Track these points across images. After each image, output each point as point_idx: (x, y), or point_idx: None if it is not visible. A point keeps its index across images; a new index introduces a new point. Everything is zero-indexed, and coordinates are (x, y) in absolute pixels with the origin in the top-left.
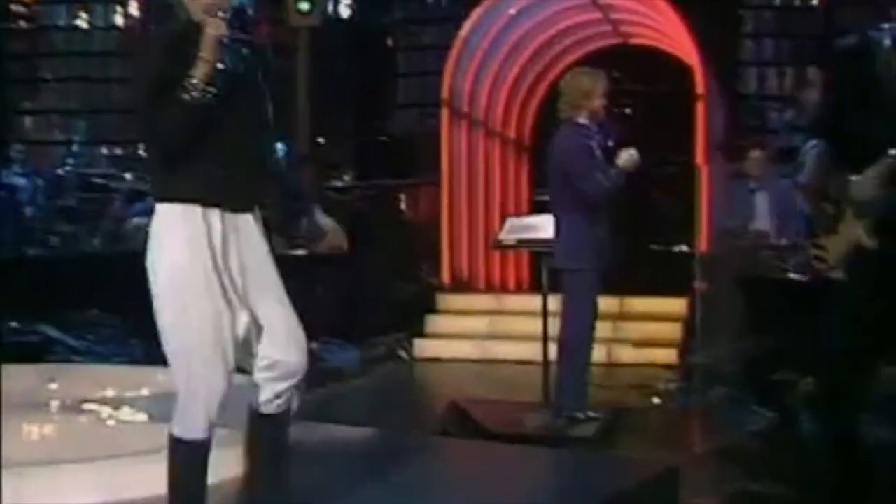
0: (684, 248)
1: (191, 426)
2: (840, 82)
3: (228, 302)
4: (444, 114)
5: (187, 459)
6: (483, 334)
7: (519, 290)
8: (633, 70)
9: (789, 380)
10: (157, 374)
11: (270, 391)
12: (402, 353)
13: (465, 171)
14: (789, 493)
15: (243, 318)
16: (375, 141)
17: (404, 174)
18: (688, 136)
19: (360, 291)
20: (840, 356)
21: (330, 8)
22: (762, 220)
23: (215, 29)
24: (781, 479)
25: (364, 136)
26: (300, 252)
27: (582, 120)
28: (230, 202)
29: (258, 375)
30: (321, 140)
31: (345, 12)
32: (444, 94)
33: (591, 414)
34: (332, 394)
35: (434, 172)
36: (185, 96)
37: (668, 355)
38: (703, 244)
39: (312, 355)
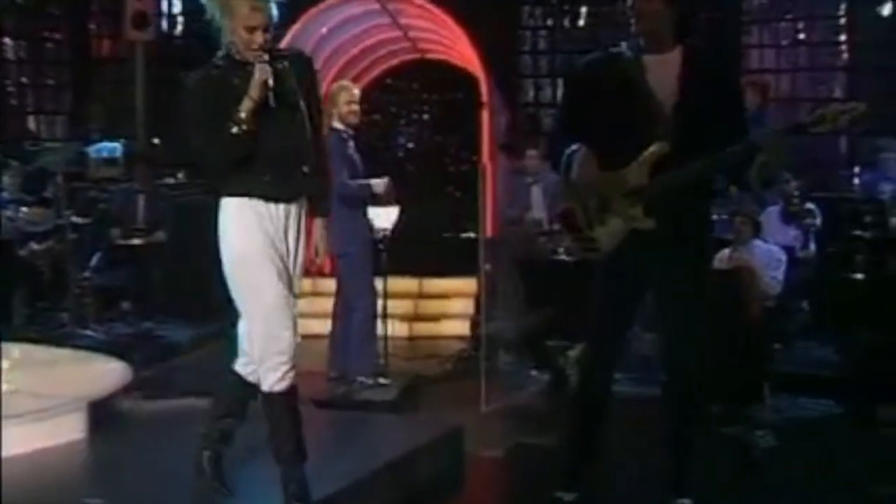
0: (472, 234)
1: (277, 380)
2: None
3: (284, 273)
4: None
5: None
6: (303, 313)
7: (333, 273)
8: (430, 81)
9: (561, 346)
10: (13, 350)
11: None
12: (232, 331)
13: None
14: (559, 443)
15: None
16: None
17: None
18: (476, 139)
19: (193, 276)
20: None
21: (165, 25)
22: (537, 210)
23: (262, 74)
24: (553, 432)
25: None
26: (137, 241)
27: (336, 125)
28: (274, 195)
29: None
30: (156, 141)
31: (177, 28)
32: None
33: (381, 381)
34: (168, 367)
35: None
36: (234, 129)
37: (462, 328)
38: (488, 231)
39: (151, 333)
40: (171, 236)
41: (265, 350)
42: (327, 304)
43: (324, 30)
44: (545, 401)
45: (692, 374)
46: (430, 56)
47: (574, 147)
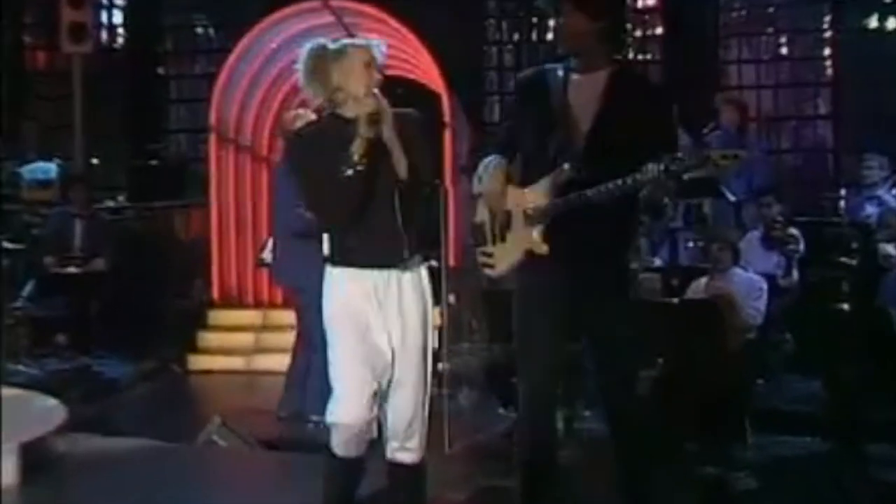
0: (434, 262)
1: (340, 444)
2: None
3: (373, 346)
4: (213, 139)
5: (337, 472)
6: (250, 349)
7: (286, 305)
8: (390, 99)
9: None
10: None
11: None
12: (175, 367)
13: (232, 192)
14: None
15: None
16: (148, 164)
17: (176, 196)
18: (438, 161)
19: (134, 307)
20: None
21: (104, 37)
22: None
23: (363, 107)
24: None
25: (137, 159)
26: (73, 270)
27: None
28: (367, 263)
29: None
30: (96, 161)
31: (118, 41)
32: (213, 120)
33: None
34: (107, 405)
35: (204, 194)
36: (348, 171)
37: None
38: (451, 259)
39: (88, 369)
40: (110, 264)
41: (336, 415)
42: (277, 339)
43: (273, 45)
44: (511, 441)
45: (629, 417)
46: (389, 73)
47: (490, 158)
